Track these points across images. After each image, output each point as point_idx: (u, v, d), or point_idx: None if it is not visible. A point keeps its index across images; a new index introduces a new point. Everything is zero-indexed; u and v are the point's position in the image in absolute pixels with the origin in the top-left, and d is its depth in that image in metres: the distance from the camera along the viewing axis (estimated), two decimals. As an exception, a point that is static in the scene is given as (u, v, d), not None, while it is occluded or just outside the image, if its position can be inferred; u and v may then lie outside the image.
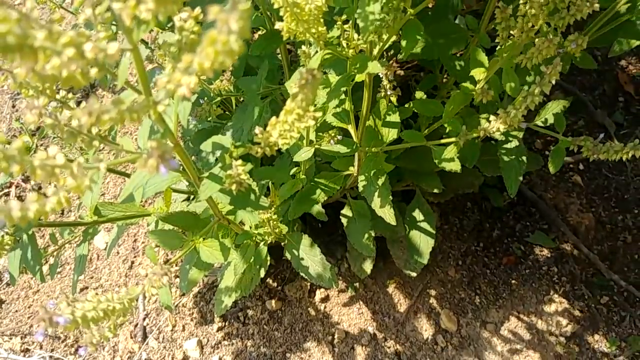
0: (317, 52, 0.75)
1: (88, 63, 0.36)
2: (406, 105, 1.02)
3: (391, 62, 1.58)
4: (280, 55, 1.18)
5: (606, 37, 0.91)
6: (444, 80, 1.21)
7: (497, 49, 0.86)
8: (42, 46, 0.32)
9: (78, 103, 1.79)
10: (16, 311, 1.53)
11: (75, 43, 0.34)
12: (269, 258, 1.24)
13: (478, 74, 0.87)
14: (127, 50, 0.42)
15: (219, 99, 1.05)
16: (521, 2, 0.75)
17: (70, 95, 0.69)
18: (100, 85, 1.98)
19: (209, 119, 1.37)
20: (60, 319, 0.49)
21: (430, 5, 1.06)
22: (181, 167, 0.69)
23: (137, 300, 0.62)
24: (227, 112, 1.40)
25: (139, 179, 0.68)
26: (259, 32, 1.16)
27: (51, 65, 0.33)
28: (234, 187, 0.59)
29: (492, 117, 0.80)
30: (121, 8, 0.36)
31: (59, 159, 0.40)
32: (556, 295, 1.49)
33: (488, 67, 0.88)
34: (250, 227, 1.05)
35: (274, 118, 0.54)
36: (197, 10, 0.49)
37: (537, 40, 0.74)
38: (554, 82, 0.70)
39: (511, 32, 0.81)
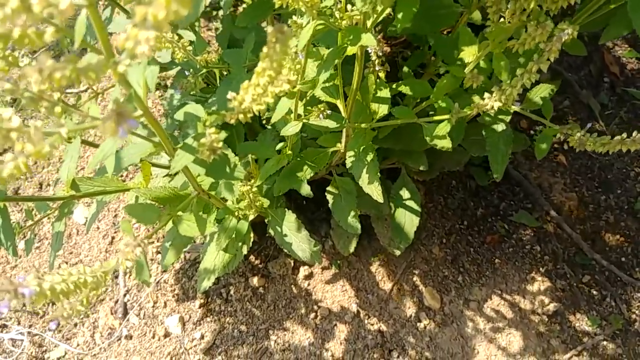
0: (309, 22, 0.72)
1: (37, 18, 0.33)
2: (394, 86, 1.00)
3: (378, 37, 1.55)
4: (267, 28, 1.15)
5: (597, 23, 0.90)
6: (432, 58, 1.19)
7: (487, 32, 0.84)
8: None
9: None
10: (-6, 286, 1.50)
11: None
12: (252, 234, 1.22)
13: (467, 56, 0.85)
14: (82, 6, 0.40)
15: (204, 71, 1.02)
16: None
17: (33, 62, 0.65)
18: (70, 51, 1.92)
19: (192, 93, 1.34)
20: (26, 290, 0.47)
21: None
22: (157, 139, 0.67)
23: (111, 273, 0.59)
24: (210, 86, 1.37)
25: (108, 147, 0.65)
26: (243, 5, 1.12)
27: None
28: (207, 155, 0.57)
29: (486, 95, 0.78)
30: None
31: (14, 122, 0.37)
32: (539, 274, 1.50)
33: (477, 49, 0.86)
34: (232, 202, 1.03)
35: (246, 81, 0.52)
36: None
37: (529, 26, 0.72)
38: (552, 59, 0.68)
39: (501, 15, 0.79)
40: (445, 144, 0.91)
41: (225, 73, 1.21)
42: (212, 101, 1.04)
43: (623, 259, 1.53)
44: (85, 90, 1.74)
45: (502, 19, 0.79)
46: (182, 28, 1.05)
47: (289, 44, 0.45)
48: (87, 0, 0.39)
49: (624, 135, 0.81)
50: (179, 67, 1.26)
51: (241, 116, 0.54)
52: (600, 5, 0.86)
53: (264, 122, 1.37)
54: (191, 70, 1.06)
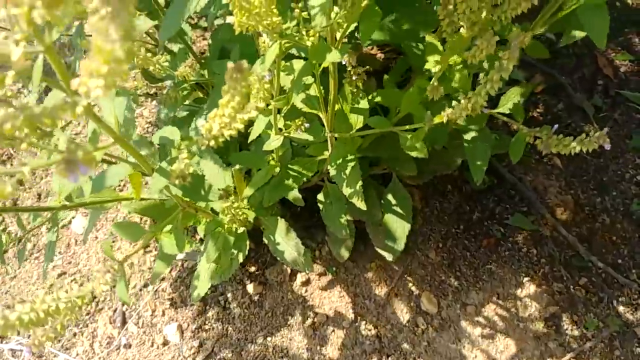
0: (273, 43, 0.74)
1: None
2: (369, 97, 1.01)
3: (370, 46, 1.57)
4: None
5: (559, 25, 0.90)
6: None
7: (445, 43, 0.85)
8: None
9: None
10: (-6, 298, 1.52)
11: None
12: (247, 242, 1.23)
13: (432, 66, 0.86)
14: (39, 53, 0.41)
15: (185, 85, 1.04)
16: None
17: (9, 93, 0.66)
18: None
19: (186, 103, 1.36)
20: None
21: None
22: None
23: (90, 297, 0.61)
24: (205, 96, 1.39)
25: (64, 181, 0.67)
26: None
27: None
28: (177, 181, 0.58)
29: (454, 103, 0.79)
30: (18, 13, 0.34)
31: None
32: (535, 277, 1.50)
33: (440, 60, 0.87)
34: (220, 214, 1.05)
35: (214, 111, 0.53)
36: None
37: (478, 39, 0.73)
38: (511, 68, 0.69)
39: (459, 26, 0.81)
40: (420, 153, 0.92)
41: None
42: (202, 113, 1.05)
43: (620, 261, 1.53)
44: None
45: (461, 30, 0.80)
46: (169, 42, 1.07)
47: (247, 80, 0.47)
48: (43, 45, 0.41)
49: (583, 135, 0.83)
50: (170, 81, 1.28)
51: (212, 142, 0.55)
52: (556, 10, 0.87)
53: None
54: (171, 83, 1.08)
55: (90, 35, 0.35)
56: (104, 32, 0.32)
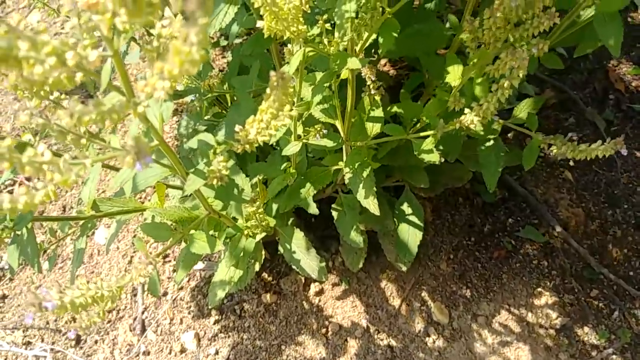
0: (298, 49, 0.79)
1: (71, 69, 0.39)
2: (388, 108, 1.06)
3: (384, 62, 1.61)
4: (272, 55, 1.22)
5: (571, 39, 0.94)
6: (429, 78, 1.24)
7: (468, 58, 0.89)
8: (25, 56, 0.36)
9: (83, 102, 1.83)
10: (18, 305, 1.57)
11: (57, 52, 0.37)
12: (263, 252, 1.27)
13: (452, 80, 0.90)
14: (108, 57, 0.46)
15: (210, 95, 1.09)
16: (485, 17, 0.79)
17: (63, 96, 0.73)
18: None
19: (206, 117, 1.41)
20: (49, 303, 0.53)
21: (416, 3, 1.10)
22: (170, 164, 0.73)
23: (127, 289, 0.65)
24: (224, 111, 1.44)
25: (126, 174, 0.72)
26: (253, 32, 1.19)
27: (35, 73, 0.37)
28: (214, 181, 0.63)
29: (467, 110, 0.83)
30: (100, 19, 0.39)
31: (46, 156, 0.43)
32: (546, 289, 1.52)
33: (462, 73, 0.91)
34: (242, 222, 1.09)
35: (251, 117, 0.57)
36: (166, 21, 0.52)
37: (502, 54, 0.77)
38: (521, 75, 0.73)
39: (481, 42, 0.85)
40: (432, 157, 0.97)
41: (236, 97, 1.28)
42: (221, 126, 1.10)
43: (631, 273, 1.54)
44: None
45: (482, 46, 0.84)
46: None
47: (288, 86, 0.51)
48: (111, 51, 0.46)
49: (599, 142, 0.85)
50: (193, 95, 1.34)
51: (247, 146, 0.59)
52: (571, 23, 0.90)
53: (274, 143, 1.43)
54: (196, 95, 1.13)
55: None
56: (184, 36, 0.36)
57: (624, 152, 0.84)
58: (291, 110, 0.83)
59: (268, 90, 0.53)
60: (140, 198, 1.68)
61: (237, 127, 0.60)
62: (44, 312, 0.54)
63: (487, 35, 0.80)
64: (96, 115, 0.42)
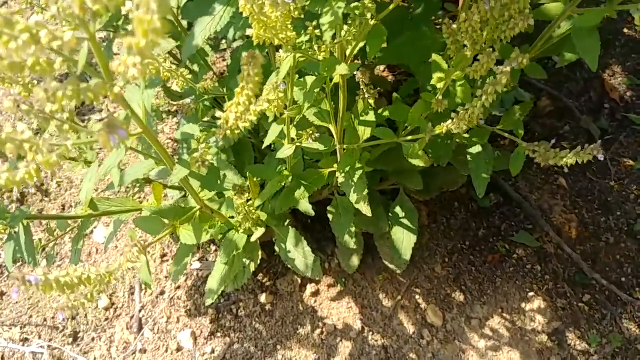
0: (288, 55, 0.81)
1: (45, 49, 0.41)
2: (379, 111, 1.08)
3: (383, 68, 1.64)
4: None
5: (555, 48, 0.97)
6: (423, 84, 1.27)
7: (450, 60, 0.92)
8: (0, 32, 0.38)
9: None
10: (16, 302, 1.59)
11: (31, 30, 0.40)
12: (259, 253, 1.29)
13: (436, 82, 0.93)
14: (84, 39, 0.48)
15: (205, 97, 1.12)
16: (461, 20, 0.82)
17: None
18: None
19: (205, 119, 1.43)
20: (32, 277, 0.55)
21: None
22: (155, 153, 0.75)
23: (123, 288, 0.67)
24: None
25: (112, 160, 0.74)
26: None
27: (10, 48, 0.39)
28: (197, 166, 0.65)
29: (453, 115, 0.86)
30: (72, 1, 0.42)
31: (25, 134, 0.45)
32: (539, 293, 1.54)
33: (445, 76, 0.93)
34: (233, 217, 1.11)
35: (229, 101, 0.60)
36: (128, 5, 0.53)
37: (480, 56, 0.80)
38: (505, 82, 0.75)
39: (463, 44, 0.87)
40: (421, 161, 0.99)
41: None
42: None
43: (623, 279, 1.56)
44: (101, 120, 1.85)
45: (464, 48, 0.87)
46: (191, 63, 1.15)
47: (260, 66, 0.53)
48: (87, 33, 0.48)
49: (578, 148, 0.87)
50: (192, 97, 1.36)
51: (229, 132, 0.61)
52: (551, 34, 0.93)
53: (272, 146, 1.45)
54: (192, 96, 1.15)
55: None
56: (145, 5, 0.38)
57: (601, 157, 0.86)
58: (282, 114, 0.86)
59: (241, 72, 0.55)
60: (140, 198, 1.71)
61: (218, 113, 0.62)
62: (28, 287, 0.56)
63: (465, 37, 0.83)
64: (71, 92, 0.44)
